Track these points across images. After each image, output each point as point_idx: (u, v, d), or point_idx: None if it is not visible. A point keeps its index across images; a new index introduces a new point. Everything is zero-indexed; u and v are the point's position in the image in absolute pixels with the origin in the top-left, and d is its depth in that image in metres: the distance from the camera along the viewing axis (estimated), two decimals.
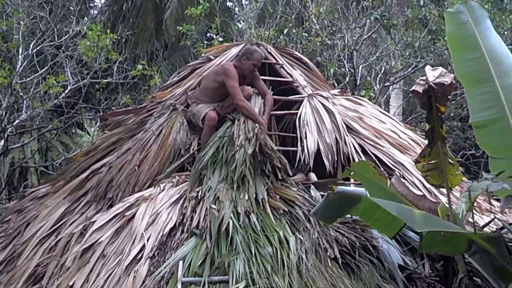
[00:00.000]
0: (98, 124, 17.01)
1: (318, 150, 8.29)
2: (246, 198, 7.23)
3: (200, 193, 7.45)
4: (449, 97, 6.40)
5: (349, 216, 7.14)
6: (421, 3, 15.38)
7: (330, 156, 8.26)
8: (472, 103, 7.17)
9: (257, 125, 7.95)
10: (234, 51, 9.44)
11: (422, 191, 7.62)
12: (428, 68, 6.39)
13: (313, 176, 8.45)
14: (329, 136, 8.39)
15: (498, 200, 7.27)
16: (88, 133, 19.40)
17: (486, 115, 6.97)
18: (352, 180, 7.91)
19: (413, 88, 6.35)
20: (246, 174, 7.44)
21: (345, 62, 15.23)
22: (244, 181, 7.41)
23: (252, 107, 8.31)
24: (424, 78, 6.23)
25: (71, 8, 16.39)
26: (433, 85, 6.14)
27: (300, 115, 8.72)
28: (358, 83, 15.04)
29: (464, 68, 7.20)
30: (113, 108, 14.10)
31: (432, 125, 6.40)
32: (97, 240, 7.27)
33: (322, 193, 7.69)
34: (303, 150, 8.29)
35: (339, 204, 6.36)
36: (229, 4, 21.74)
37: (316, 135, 8.42)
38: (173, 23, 18.96)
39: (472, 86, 7.16)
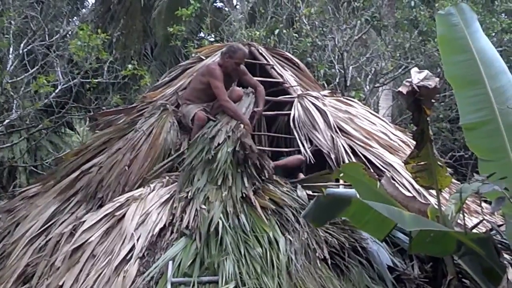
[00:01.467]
0: (87, 123, 17.01)
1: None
2: (231, 197, 7.23)
3: (189, 193, 7.43)
4: (433, 100, 6.43)
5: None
6: (412, 4, 15.42)
7: (331, 155, 8.28)
8: (462, 105, 7.21)
9: (241, 125, 7.96)
10: None
11: (411, 193, 7.64)
12: (414, 70, 6.44)
13: (301, 177, 8.45)
14: (323, 136, 8.42)
15: (486, 201, 7.30)
16: (78, 133, 19.36)
17: (476, 117, 7.01)
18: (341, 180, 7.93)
19: (398, 89, 6.40)
20: (227, 173, 7.43)
21: (335, 63, 15.25)
22: (226, 180, 7.39)
23: (238, 108, 8.32)
24: (409, 80, 6.28)
25: (62, 8, 16.35)
26: (416, 87, 6.18)
27: (294, 116, 8.74)
28: (348, 84, 15.06)
29: (454, 70, 7.24)
30: (103, 108, 14.06)
31: (422, 127, 6.43)
32: (87, 240, 7.25)
33: (308, 192, 7.71)
34: (300, 151, 8.34)
35: (329, 207, 6.36)
36: (219, 4, 21.74)
37: (313, 136, 8.46)
38: (163, 23, 18.95)
39: (462, 88, 7.20)
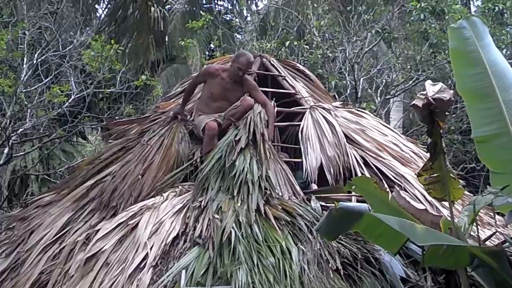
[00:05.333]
0: (99, 133, 17.11)
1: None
2: (246, 207, 7.25)
3: (203, 203, 7.47)
4: (447, 113, 6.44)
5: None
6: (422, 17, 15.48)
7: (332, 170, 8.31)
8: (474, 118, 7.18)
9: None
10: None
11: (424, 204, 7.64)
12: (428, 83, 6.44)
13: (314, 188, 8.48)
14: (330, 150, 8.44)
15: (499, 214, 7.30)
16: (90, 142, 19.48)
17: (489, 130, 6.97)
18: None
19: (413, 102, 6.42)
20: (247, 181, 7.48)
21: (346, 74, 15.31)
22: (243, 189, 7.43)
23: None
24: (424, 92, 6.30)
25: (75, 19, 16.52)
26: (431, 100, 6.20)
27: (302, 128, 8.77)
28: (359, 96, 15.11)
29: (466, 83, 7.22)
30: (116, 117, 14.16)
31: (435, 139, 6.45)
32: (100, 249, 7.28)
33: (322, 203, 7.74)
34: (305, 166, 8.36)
35: (341, 221, 6.33)
36: (229, 16, 21.83)
37: (319, 149, 8.47)
38: (176, 35, 19.08)
39: (474, 101, 7.16)
